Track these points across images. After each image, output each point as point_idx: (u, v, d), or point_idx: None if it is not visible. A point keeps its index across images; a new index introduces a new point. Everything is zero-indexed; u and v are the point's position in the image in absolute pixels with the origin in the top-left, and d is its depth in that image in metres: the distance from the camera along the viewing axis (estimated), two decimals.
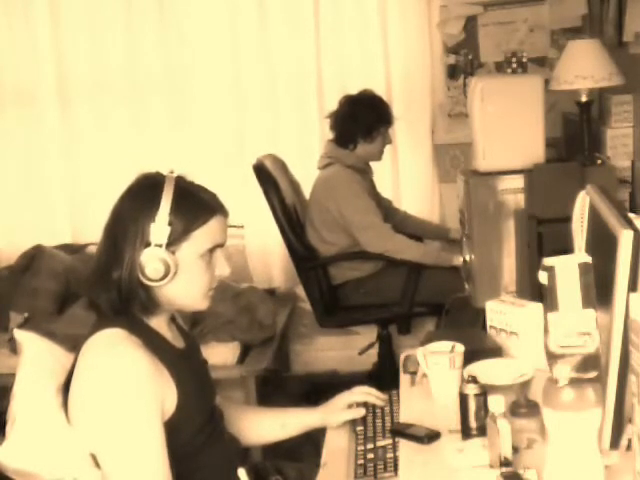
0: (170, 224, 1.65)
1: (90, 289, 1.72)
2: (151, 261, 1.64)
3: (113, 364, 1.61)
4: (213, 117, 4.36)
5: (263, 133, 4.28)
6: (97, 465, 1.62)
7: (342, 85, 4.14)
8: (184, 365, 1.73)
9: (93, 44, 4.30)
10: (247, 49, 4.23)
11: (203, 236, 1.68)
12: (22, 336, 1.77)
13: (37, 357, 1.74)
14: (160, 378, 1.64)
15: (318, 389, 3.97)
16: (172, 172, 1.72)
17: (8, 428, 1.68)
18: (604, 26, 3.71)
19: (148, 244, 1.65)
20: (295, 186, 3.98)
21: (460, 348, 1.91)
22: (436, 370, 1.91)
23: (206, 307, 1.76)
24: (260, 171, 3.74)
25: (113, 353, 1.62)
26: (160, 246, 1.64)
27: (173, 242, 1.66)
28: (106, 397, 1.59)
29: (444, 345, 1.95)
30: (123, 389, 1.59)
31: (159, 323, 1.74)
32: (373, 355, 4.05)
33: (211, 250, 1.71)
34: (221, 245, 1.73)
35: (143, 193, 1.70)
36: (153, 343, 1.67)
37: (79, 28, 4.29)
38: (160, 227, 1.64)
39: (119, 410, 1.59)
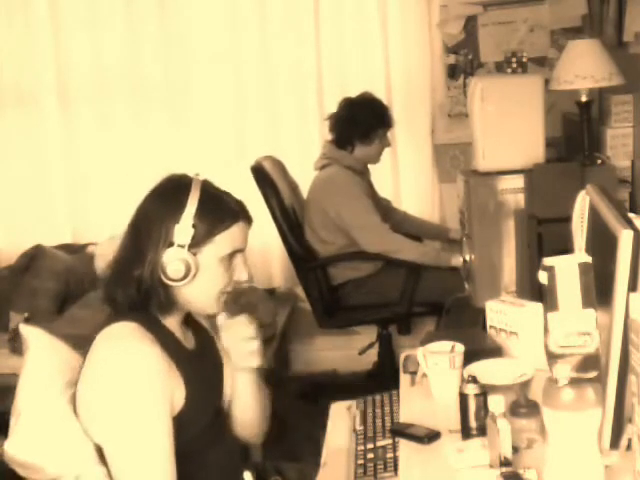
0: (194, 226, 1.67)
1: (108, 284, 1.73)
2: (173, 261, 1.67)
3: (125, 357, 1.62)
4: (213, 118, 4.35)
5: (262, 134, 4.28)
6: (102, 460, 1.63)
7: (342, 86, 4.14)
8: (193, 365, 1.74)
9: (93, 44, 4.30)
10: (247, 50, 4.23)
11: (225, 240, 1.71)
12: (28, 331, 1.78)
13: (43, 352, 1.76)
14: (170, 374, 1.65)
15: (318, 389, 3.98)
16: (198, 175, 1.74)
17: (13, 421, 1.68)
18: (604, 26, 3.71)
19: (171, 244, 1.67)
20: (294, 187, 3.97)
21: (460, 348, 1.91)
22: (436, 370, 1.91)
23: (217, 312, 1.78)
24: (258, 173, 3.74)
25: (126, 346, 1.64)
26: (182, 247, 1.67)
27: (195, 244, 1.68)
28: (116, 389, 1.61)
29: (444, 345, 1.95)
30: (134, 382, 1.60)
31: (172, 323, 1.76)
32: (373, 355, 4.05)
33: (231, 255, 1.73)
34: (241, 250, 1.76)
35: (169, 194, 1.73)
36: (165, 341, 1.69)
37: (79, 28, 4.28)
38: (184, 228, 1.67)
39: (129, 402, 1.60)
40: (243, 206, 1.78)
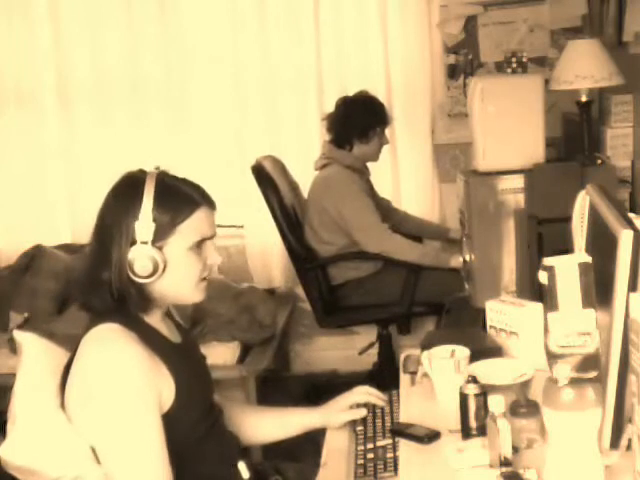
0: (154, 220, 1.65)
1: (82, 291, 1.73)
2: (138, 259, 1.65)
3: (108, 358, 1.62)
4: (213, 118, 4.36)
5: (262, 134, 4.28)
6: (99, 461, 1.63)
7: (342, 85, 4.14)
8: (181, 359, 1.73)
9: (93, 44, 4.29)
10: (247, 49, 4.23)
11: (189, 229, 1.69)
12: (22, 337, 1.78)
13: (37, 357, 1.75)
14: (156, 371, 1.64)
15: (318, 389, 3.98)
16: (157, 168, 1.72)
17: (9, 427, 1.69)
18: (604, 26, 3.71)
19: (134, 242, 1.65)
20: (294, 187, 3.97)
21: (464, 352, 1.90)
22: (442, 374, 1.89)
23: (200, 299, 1.76)
24: (259, 172, 3.74)
25: (108, 347, 1.63)
26: (146, 243, 1.65)
27: (159, 238, 1.66)
28: (103, 391, 1.60)
29: (446, 349, 1.94)
30: (119, 382, 1.60)
31: (155, 319, 1.75)
32: (373, 355, 4.05)
33: (199, 243, 1.71)
34: (210, 237, 1.73)
35: (125, 192, 1.72)
36: (149, 338, 1.68)
37: (79, 28, 4.28)
38: (144, 224, 1.65)
39: (116, 403, 1.60)
40: (203, 191, 1.73)
